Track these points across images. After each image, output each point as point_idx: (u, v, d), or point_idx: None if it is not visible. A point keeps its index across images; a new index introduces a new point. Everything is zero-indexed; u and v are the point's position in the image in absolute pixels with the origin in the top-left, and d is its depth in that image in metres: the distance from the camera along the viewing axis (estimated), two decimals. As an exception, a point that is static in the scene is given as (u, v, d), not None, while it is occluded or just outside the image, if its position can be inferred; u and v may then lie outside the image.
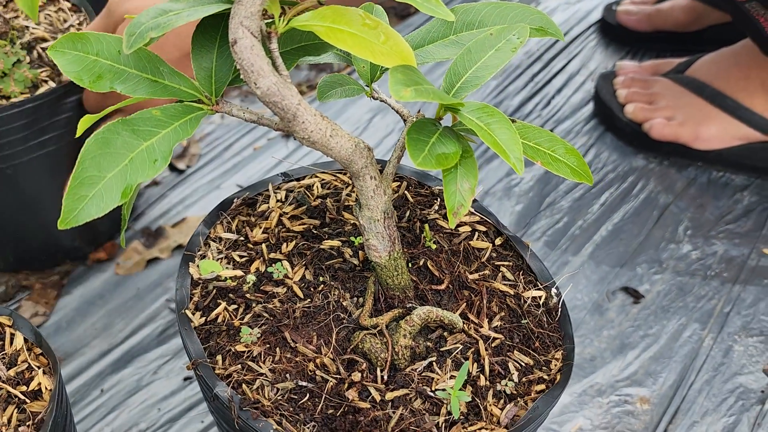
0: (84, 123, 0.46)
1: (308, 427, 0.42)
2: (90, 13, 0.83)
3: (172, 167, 1.01)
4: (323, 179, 0.61)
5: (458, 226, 0.57)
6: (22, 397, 0.45)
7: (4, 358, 0.47)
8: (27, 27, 0.80)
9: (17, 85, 0.73)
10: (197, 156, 1.03)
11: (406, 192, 0.59)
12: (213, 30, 0.44)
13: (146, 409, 0.73)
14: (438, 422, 0.44)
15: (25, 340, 0.49)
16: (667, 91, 1.06)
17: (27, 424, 0.44)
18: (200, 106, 0.44)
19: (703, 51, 1.19)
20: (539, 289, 0.52)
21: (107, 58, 0.43)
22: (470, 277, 0.53)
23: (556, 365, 0.48)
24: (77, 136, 0.54)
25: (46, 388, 0.46)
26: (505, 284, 0.53)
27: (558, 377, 0.47)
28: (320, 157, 1.02)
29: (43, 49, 0.78)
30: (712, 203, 0.96)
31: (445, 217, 0.58)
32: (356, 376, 0.45)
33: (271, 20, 0.43)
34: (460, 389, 0.45)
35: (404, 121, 0.48)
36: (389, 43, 0.42)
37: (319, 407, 0.44)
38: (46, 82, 0.75)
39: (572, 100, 1.15)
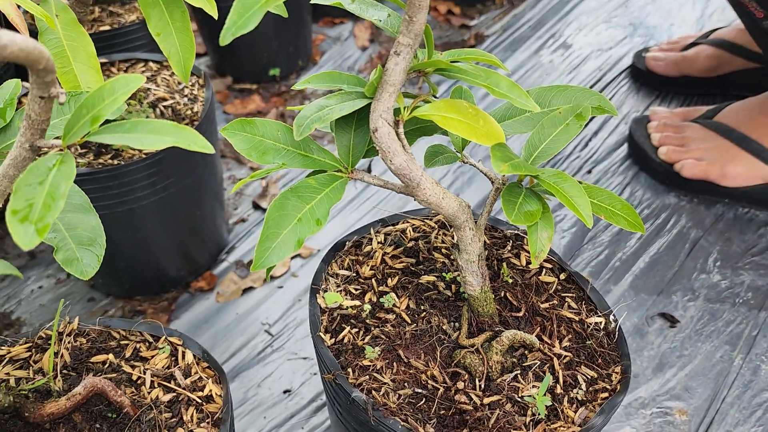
0: (238, 185, 0.59)
1: (430, 424, 0.55)
2: (200, 76, 0.97)
3: (256, 206, 1.14)
4: (414, 224, 0.74)
5: (528, 263, 0.70)
6: (199, 400, 0.58)
7: (180, 370, 0.60)
8: (149, 89, 0.94)
9: (147, 142, 0.87)
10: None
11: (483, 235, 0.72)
12: (350, 117, 0.57)
13: (253, 418, 0.86)
14: (525, 421, 0.56)
15: (194, 356, 0.62)
16: (697, 134, 1.18)
17: (206, 421, 0.56)
18: (340, 174, 0.57)
19: (726, 94, 1.31)
20: (599, 316, 0.64)
21: (270, 138, 0.57)
22: (542, 306, 0.65)
23: (616, 377, 0.60)
24: (233, 191, 0.66)
25: (216, 394, 0.59)
26: (570, 312, 0.65)
27: (618, 387, 0.59)
28: (385, 197, 1.15)
29: (165, 107, 0.92)
30: (738, 237, 1.08)
31: (516, 256, 0.70)
32: (460, 385, 0.58)
33: (396, 109, 0.56)
34: (544, 400, 0.57)
35: (492, 182, 0.61)
36: (487, 126, 0.55)
37: (433, 409, 0.56)
38: (168, 138, 0.89)
39: (608, 142, 1.28)
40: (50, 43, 0.66)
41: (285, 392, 0.88)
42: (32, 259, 1.08)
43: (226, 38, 0.44)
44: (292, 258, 1.05)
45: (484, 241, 0.71)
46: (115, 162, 0.85)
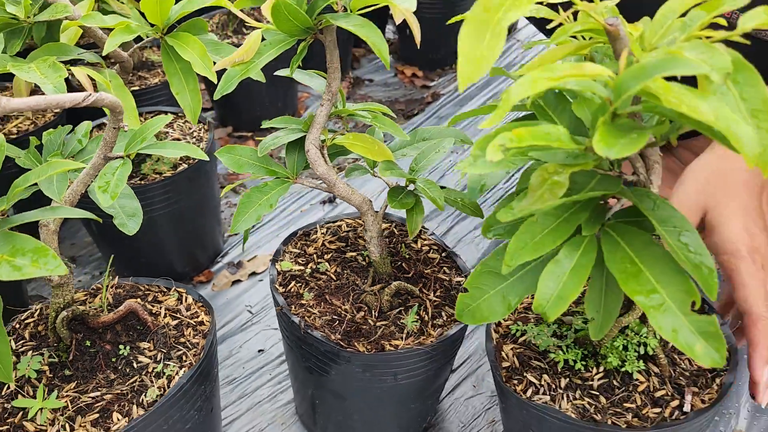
0: (227, 188, 0.93)
1: (339, 333, 0.86)
2: (205, 123, 1.32)
3: (246, 223, 1.48)
4: (348, 222, 1.07)
5: (422, 246, 1.02)
6: (194, 323, 0.90)
7: (183, 307, 0.92)
8: (168, 132, 1.29)
9: (165, 165, 1.21)
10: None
11: (394, 229, 1.05)
12: (296, 144, 0.91)
13: (235, 368, 1.17)
14: (403, 336, 0.88)
15: (193, 299, 0.94)
16: None
17: (199, 335, 0.88)
18: (288, 179, 0.90)
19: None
20: (462, 277, 0.97)
21: (246, 157, 0.90)
22: (426, 271, 0.97)
23: (467, 314, 0.92)
24: (222, 193, 1.00)
25: (206, 321, 0.90)
26: (444, 275, 0.97)
27: (467, 319, 0.91)
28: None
29: (177, 147, 1.26)
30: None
31: (414, 241, 1.03)
32: (361, 314, 0.90)
33: (323, 139, 0.90)
34: (413, 321, 0.89)
35: (388, 187, 0.94)
36: (380, 150, 0.89)
37: (343, 327, 0.88)
38: (180, 164, 1.23)
39: (527, 178, 1.61)
40: (106, 98, 1.01)
41: (259, 351, 1.20)
42: (73, 262, 1.41)
43: (217, 96, 0.78)
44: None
45: (393, 232, 1.04)
46: (142, 182, 1.19)
